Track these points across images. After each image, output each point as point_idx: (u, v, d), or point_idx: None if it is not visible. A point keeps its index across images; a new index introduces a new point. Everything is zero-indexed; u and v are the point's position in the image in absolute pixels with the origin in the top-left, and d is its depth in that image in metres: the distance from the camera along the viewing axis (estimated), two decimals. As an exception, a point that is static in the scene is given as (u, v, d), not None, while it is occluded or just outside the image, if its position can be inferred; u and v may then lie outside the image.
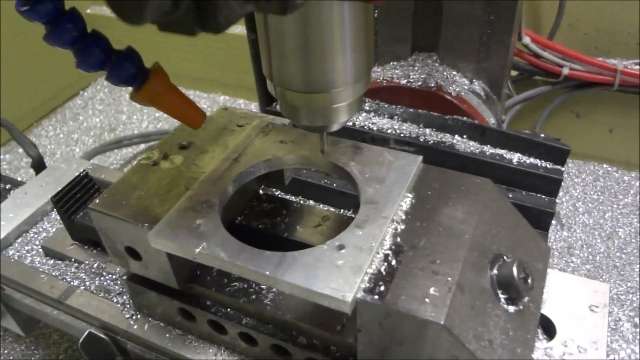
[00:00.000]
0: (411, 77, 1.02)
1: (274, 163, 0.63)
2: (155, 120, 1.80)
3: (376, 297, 0.49)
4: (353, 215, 0.77)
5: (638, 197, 1.40)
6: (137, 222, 0.57)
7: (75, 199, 0.80)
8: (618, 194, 1.42)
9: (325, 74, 0.52)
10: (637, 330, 1.07)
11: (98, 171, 0.96)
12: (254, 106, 1.83)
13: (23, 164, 1.65)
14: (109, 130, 1.78)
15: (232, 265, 0.51)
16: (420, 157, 0.63)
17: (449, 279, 0.50)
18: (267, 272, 0.50)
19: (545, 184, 0.92)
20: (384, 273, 0.51)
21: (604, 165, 1.48)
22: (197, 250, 0.52)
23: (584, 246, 1.29)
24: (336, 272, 0.49)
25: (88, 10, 1.93)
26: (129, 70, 0.58)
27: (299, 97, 0.53)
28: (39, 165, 1.00)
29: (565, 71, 1.28)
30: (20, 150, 1.69)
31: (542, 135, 0.96)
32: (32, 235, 0.89)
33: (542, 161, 0.95)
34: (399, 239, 0.54)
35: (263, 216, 0.72)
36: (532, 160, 0.95)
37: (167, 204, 0.58)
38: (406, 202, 0.58)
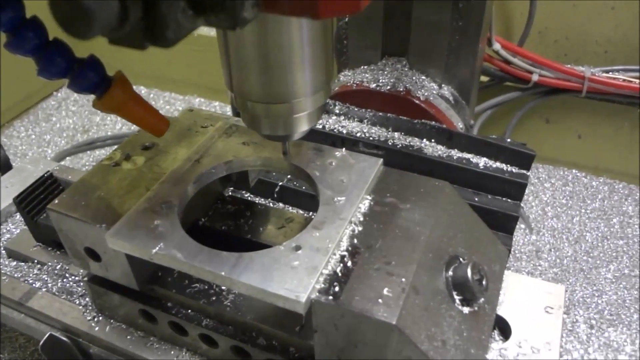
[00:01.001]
0: (380, 81, 1.03)
1: (234, 165, 0.64)
2: (129, 122, 1.78)
3: (330, 297, 0.49)
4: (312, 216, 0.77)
5: (605, 202, 1.43)
6: (96, 223, 0.56)
7: (38, 199, 0.80)
8: (586, 198, 1.44)
9: (285, 85, 0.52)
10: (592, 331, 1.09)
11: (65, 172, 0.95)
12: (229, 109, 1.83)
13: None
14: (82, 131, 1.76)
15: (188, 266, 0.51)
16: (381, 160, 0.64)
17: (403, 279, 0.51)
18: (223, 273, 0.50)
19: (511, 188, 0.94)
20: (339, 274, 0.51)
21: (573, 171, 1.51)
22: (154, 250, 0.52)
23: (552, 250, 1.31)
24: (291, 273, 0.50)
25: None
26: (92, 79, 0.58)
27: (259, 107, 0.54)
28: (4, 166, 0.99)
29: (535, 77, 1.31)
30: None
31: (508, 140, 0.97)
32: (-5, 236, 0.88)
33: (508, 165, 0.96)
34: (355, 240, 0.55)
35: (227, 218, 0.72)
36: (498, 164, 0.96)
37: (127, 205, 0.58)
38: (365, 204, 0.59)
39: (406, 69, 1.06)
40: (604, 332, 1.08)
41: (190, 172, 0.62)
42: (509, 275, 0.67)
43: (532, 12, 1.27)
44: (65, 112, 1.85)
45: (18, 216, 0.91)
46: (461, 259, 0.58)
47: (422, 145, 0.98)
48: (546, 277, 1.26)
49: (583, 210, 1.41)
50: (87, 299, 0.74)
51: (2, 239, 0.87)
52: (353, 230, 0.56)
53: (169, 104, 1.86)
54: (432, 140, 0.98)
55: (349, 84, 1.06)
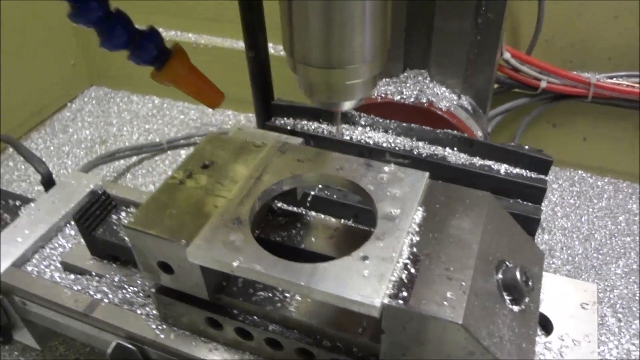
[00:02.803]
0: (404, 93, 1.09)
1: (297, 180, 0.69)
2: (145, 132, 1.82)
3: (400, 302, 0.54)
4: (356, 225, 0.83)
5: (611, 201, 1.50)
6: (174, 239, 0.61)
7: (95, 215, 0.84)
8: (593, 198, 1.51)
9: (343, 50, 0.56)
10: (621, 324, 1.16)
11: (108, 187, 0.99)
12: (243, 117, 1.87)
13: (15, 177, 1.66)
14: (100, 142, 1.80)
15: (268, 277, 0.56)
16: (427, 174, 0.69)
17: (463, 283, 0.56)
18: (302, 282, 0.55)
19: (531, 192, 1.00)
20: (405, 280, 0.57)
21: (579, 172, 1.58)
22: (235, 264, 0.57)
23: (564, 248, 1.38)
24: (363, 281, 0.55)
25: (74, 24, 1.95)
26: (152, 51, 0.60)
27: (317, 73, 0.58)
28: (48, 181, 1.03)
29: (543, 84, 1.37)
30: (11, 163, 1.71)
31: (527, 147, 1.03)
32: (48, 251, 0.92)
33: (527, 171, 1.02)
34: (415, 249, 0.60)
35: (279, 229, 0.77)
36: (518, 170, 1.02)
37: (199, 222, 0.63)
38: (418, 215, 0.64)
39: (427, 81, 1.12)
40: (631, 325, 1.16)
41: (254, 189, 0.67)
42: (546, 276, 0.73)
43: (540, 21, 1.33)
44: (82, 124, 1.89)
45: (67, 230, 0.96)
46: (507, 263, 0.64)
47: (446, 153, 1.04)
48: (560, 275, 1.32)
49: (590, 210, 1.47)
50: (147, 308, 0.78)
51: (56, 252, 0.92)
52: (411, 240, 0.61)
53: (182, 113, 1.90)
54: (455, 149, 1.04)
55: (373, 97, 1.11)
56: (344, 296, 0.54)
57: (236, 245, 0.59)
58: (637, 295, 1.26)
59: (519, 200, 1.02)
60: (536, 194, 1.01)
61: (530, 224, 0.99)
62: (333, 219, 0.84)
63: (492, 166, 1.03)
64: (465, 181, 0.99)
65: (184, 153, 1.72)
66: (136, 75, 1.92)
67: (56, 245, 0.93)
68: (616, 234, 1.40)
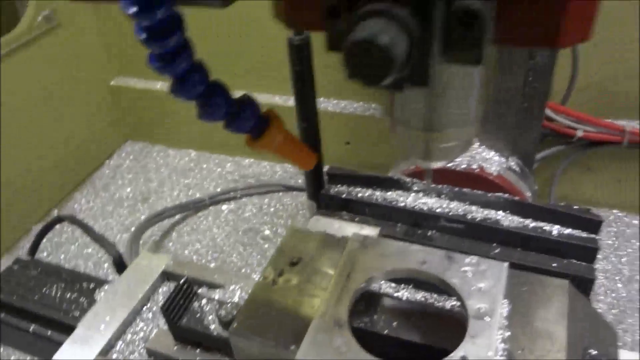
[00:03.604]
0: (455, 160, 1.14)
1: (386, 276, 0.73)
2: (185, 187, 1.88)
3: (505, 403, 0.58)
4: (430, 303, 0.86)
5: (649, 240, 1.53)
6: (281, 344, 0.65)
7: (179, 305, 0.88)
8: (631, 238, 1.54)
9: (442, 116, 0.59)
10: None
11: (179, 267, 1.04)
12: (279, 168, 1.92)
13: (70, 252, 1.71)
14: (142, 200, 1.86)
15: (377, 383, 0.60)
16: (507, 264, 0.73)
17: (559, 381, 0.60)
18: (412, 389, 0.59)
19: (583, 252, 1.03)
20: (505, 379, 0.60)
21: (614, 211, 1.61)
22: (345, 371, 0.61)
23: (608, 292, 1.41)
24: (468, 383, 0.59)
25: (112, 82, 2.02)
26: (250, 120, 0.59)
27: (415, 136, 0.61)
28: (119, 263, 1.07)
29: (579, 133, 1.41)
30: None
31: (575, 207, 1.07)
32: (130, 336, 0.96)
33: (578, 230, 1.06)
34: (508, 345, 0.64)
35: (361, 315, 0.81)
36: (569, 230, 1.06)
37: (300, 324, 0.67)
38: (505, 308, 0.68)
39: (476, 146, 1.16)
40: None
41: (347, 289, 0.71)
42: (622, 354, 0.76)
43: (575, 73, 1.38)
44: (122, 181, 1.95)
45: (145, 314, 1.00)
46: (591, 351, 0.68)
47: (499, 217, 1.08)
48: (606, 319, 1.35)
49: (630, 250, 1.51)
50: (237, 395, 0.82)
51: (137, 337, 0.96)
52: (503, 335, 0.65)
53: (219, 166, 1.96)
54: (507, 212, 1.08)
55: (424, 163, 1.16)
56: (454, 402, 0.58)
57: (342, 351, 0.63)
58: (686, 336, 1.29)
59: (573, 260, 1.06)
60: (588, 254, 1.04)
61: (585, 285, 1.02)
62: (405, 298, 0.88)
63: (545, 227, 1.07)
64: (519, 244, 1.03)
65: (225, 208, 1.77)
66: (172, 128, 1.99)
67: (137, 329, 0.97)
68: (658, 274, 1.44)
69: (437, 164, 0.69)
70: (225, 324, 0.83)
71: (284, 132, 0.63)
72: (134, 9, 0.48)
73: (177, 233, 1.71)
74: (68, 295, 1.06)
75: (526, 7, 0.46)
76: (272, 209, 1.75)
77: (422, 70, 0.46)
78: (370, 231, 0.82)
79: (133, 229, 1.70)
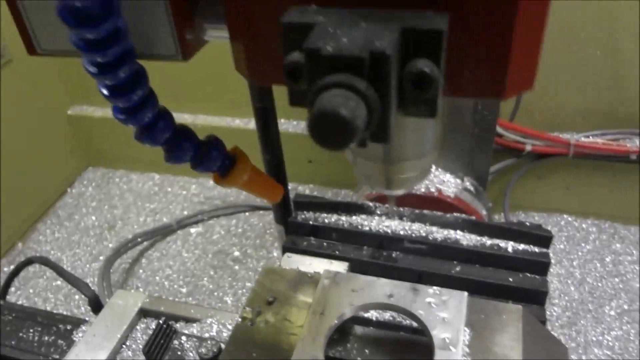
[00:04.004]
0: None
1: (357, 311, 0.78)
2: (151, 212, 1.89)
3: None
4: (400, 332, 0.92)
5: (597, 242, 1.64)
6: (264, 386, 0.70)
7: (160, 345, 0.92)
8: (580, 241, 1.65)
9: (401, 149, 0.62)
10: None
11: (155, 304, 1.07)
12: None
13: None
14: (108, 228, 1.86)
15: (355, 417, 0.66)
16: (466, 293, 0.80)
17: (517, 402, 0.67)
18: (387, 422, 0.65)
19: (537, 266, 1.11)
20: (469, 404, 0.67)
21: (564, 216, 1.72)
22: (325, 408, 0.66)
23: (562, 295, 1.51)
24: (437, 412, 0.65)
25: (69, 112, 2.01)
26: (217, 160, 0.60)
27: (375, 168, 0.65)
28: (95, 304, 1.10)
29: (528, 147, 1.50)
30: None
31: (527, 223, 1.15)
32: (111, 376, 0.99)
33: (531, 246, 1.14)
34: (470, 372, 0.71)
35: (336, 345, 0.86)
36: (523, 246, 1.14)
37: (280, 363, 0.72)
38: (466, 336, 0.75)
39: (434, 169, 1.23)
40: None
41: (321, 327, 0.76)
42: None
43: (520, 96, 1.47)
44: (86, 209, 1.94)
45: (125, 352, 1.03)
46: (544, 369, 0.75)
47: (457, 236, 1.15)
48: (562, 322, 1.44)
49: (580, 253, 1.61)
50: None
51: (119, 376, 0.99)
52: (466, 363, 0.71)
53: (184, 189, 1.98)
54: (465, 231, 1.16)
55: (386, 188, 1.22)
56: None
57: (321, 389, 0.68)
58: (631, 335, 1.39)
59: (527, 274, 1.13)
60: (541, 267, 1.12)
61: (539, 297, 1.11)
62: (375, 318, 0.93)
63: (500, 244, 1.14)
64: (478, 261, 1.11)
65: (194, 231, 1.80)
66: (133, 153, 2.00)
67: (118, 368, 1.00)
68: (605, 276, 1.54)
69: (398, 192, 0.74)
70: (206, 361, 0.87)
71: (250, 168, 0.64)
72: (94, 70, 0.49)
73: (147, 259, 1.72)
74: (45, 339, 1.08)
75: (473, 66, 0.51)
76: (240, 230, 1.79)
77: (383, 130, 0.49)
78: (339, 266, 0.87)
79: (102, 258, 1.71)
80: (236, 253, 1.69)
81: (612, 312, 1.45)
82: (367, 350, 0.85)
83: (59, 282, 1.65)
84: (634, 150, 1.46)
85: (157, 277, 1.61)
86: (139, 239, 1.73)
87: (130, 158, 2.03)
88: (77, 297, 1.59)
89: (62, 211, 1.95)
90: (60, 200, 1.99)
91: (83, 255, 1.75)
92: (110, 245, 1.75)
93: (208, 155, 0.59)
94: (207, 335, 0.97)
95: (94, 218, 1.89)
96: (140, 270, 1.67)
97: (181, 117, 1.91)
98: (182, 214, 1.87)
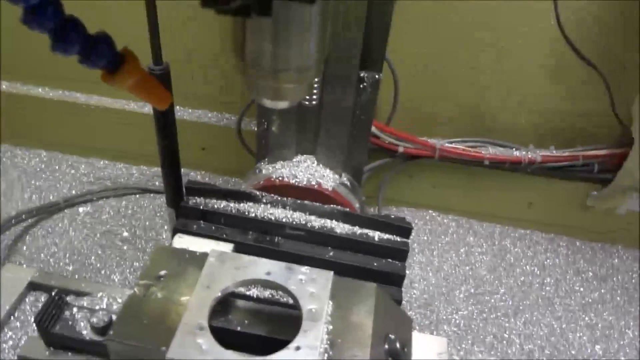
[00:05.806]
0: (297, 177, 1.34)
1: (239, 286, 0.90)
2: (37, 189, 1.87)
3: (326, 380, 0.79)
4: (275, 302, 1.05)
5: (454, 235, 1.88)
6: (154, 347, 0.80)
7: (51, 315, 0.98)
8: (441, 234, 1.88)
9: (287, 57, 0.68)
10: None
11: (46, 278, 1.12)
12: (136, 170, 1.99)
13: None
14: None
15: (231, 373, 0.78)
16: (332, 272, 0.94)
17: (364, 358, 0.83)
18: (258, 375, 0.78)
19: (398, 253, 1.30)
20: (327, 361, 0.82)
21: (430, 211, 1.95)
22: (206, 364, 0.78)
23: (421, 280, 1.73)
24: (300, 367, 0.79)
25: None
26: (106, 55, 0.59)
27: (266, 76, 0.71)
28: (-17, 276, 1.12)
29: (401, 149, 1.70)
30: None
31: (393, 216, 1.33)
32: (-1, 345, 1.03)
33: (394, 236, 1.32)
34: (331, 336, 0.85)
35: (219, 316, 0.98)
36: (388, 236, 1.32)
37: (169, 329, 0.82)
38: (329, 307, 0.89)
39: (314, 165, 1.38)
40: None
41: (206, 298, 0.87)
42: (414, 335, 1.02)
43: (397, 100, 1.65)
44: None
45: (13, 323, 1.07)
46: (390, 335, 0.91)
47: (333, 225, 1.31)
48: (419, 303, 1.66)
49: (440, 244, 1.85)
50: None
51: (7, 345, 1.03)
52: (327, 329, 0.86)
53: (73, 168, 1.97)
54: (340, 221, 1.31)
55: (272, 179, 1.35)
56: (289, 381, 0.77)
57: (204, 349, 0.80)
58: (474, 315, 1.64)
59: (389, 259, 1.31)
60: (402, 254, 1.31)
61: (399, 279, 1.29)
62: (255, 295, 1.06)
63: (369, 233, 1.31)
64: (350, 248, 1.27)
65: (82, 210, 1.81)
66: (19, 128, 1.96)
67: (5, 338, 1.04)
68: (458, 264, 1.79)
69: (283, 104, 0.80)
70: (97, 330, 0.95)
71: (139, 69, 0.64)
72: None
73: (32, 237, 1.71)
74: None
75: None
76: (129, 211, 1.83)
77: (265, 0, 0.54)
78: (226, 247, 0.98)
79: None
80: (125, 234, 1.73)
81: (461, 295, 1.69)
82: (246, 321, 0.97)
83: None
84: (488, 157, 1.70)
85: (42, 255, 1.61)
86: (23, 216, 1.71)
87: (16, 132, 1.98)
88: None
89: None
90: (-64, 173, 1.91)
91: (-37, 230, 1.71)
92: (-8, 221, 1.71)
93: (96, 50, 0.58)
94: (97, 307, 1.04)
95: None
96: (24, 247, 1.66)
97: (73, 96, 1.91)
98: (70, 193, 1.87)
